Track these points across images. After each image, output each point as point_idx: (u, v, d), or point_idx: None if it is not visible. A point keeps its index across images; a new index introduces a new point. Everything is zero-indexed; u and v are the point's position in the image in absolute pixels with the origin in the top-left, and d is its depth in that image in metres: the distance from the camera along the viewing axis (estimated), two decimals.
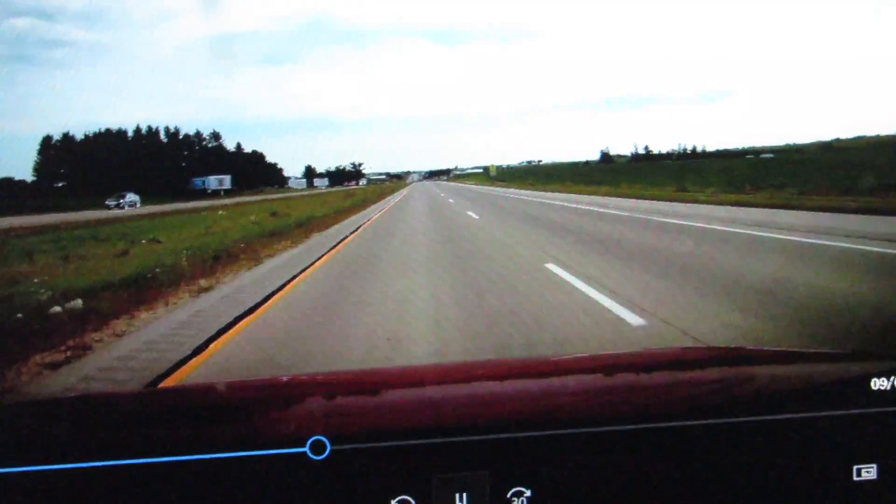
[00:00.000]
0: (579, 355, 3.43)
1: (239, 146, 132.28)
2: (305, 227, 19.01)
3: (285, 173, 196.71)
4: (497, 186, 76.90)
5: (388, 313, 6.57)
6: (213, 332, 6.09)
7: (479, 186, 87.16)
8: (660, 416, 1.42)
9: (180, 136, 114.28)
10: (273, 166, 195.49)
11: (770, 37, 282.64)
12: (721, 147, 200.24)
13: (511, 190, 58.26)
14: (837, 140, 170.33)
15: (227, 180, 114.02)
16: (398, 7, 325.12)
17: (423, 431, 1.36)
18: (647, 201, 27.60)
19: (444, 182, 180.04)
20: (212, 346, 5.64)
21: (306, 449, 1.27)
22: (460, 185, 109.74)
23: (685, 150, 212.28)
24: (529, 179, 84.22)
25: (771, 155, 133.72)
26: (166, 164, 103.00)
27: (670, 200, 25.72)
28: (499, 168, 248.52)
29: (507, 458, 1.30)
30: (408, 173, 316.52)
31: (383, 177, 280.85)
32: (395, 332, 5.75)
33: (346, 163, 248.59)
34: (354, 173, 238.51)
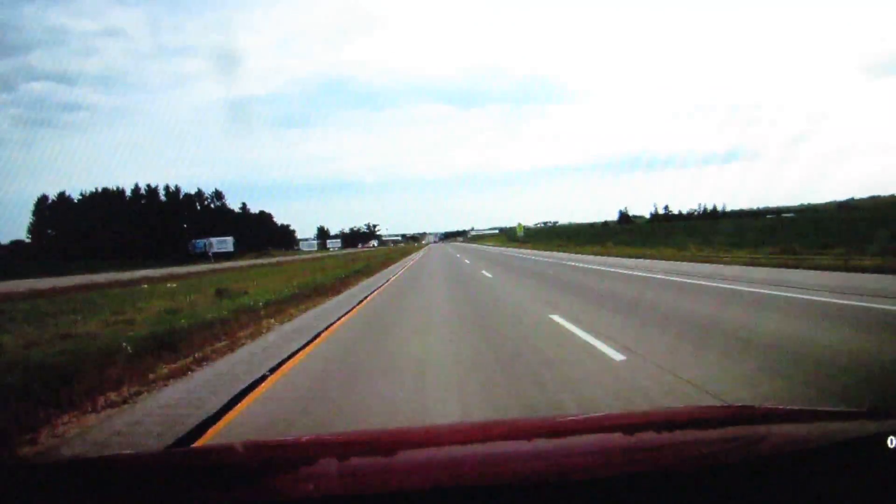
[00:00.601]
0: (598, 414, 3.77)
1: (244, 206, 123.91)
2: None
3: (299, 235, 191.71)
4: (522, 248, 68.99)
5: None
6: None
7: (502, 248, 79.56)
8: (677, 476, 1.43)
9: (181, 196, 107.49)
10: (285, 227, 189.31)
11: (784, 99, 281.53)
12: (739, 207, 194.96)
13: (543, 253, 50.31)
14: (852, 199, 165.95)
15: (229, 242, 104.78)
16: (414, 70, 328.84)
17: (441, 491, 1.36)
18: (737, 266, 20.40)
19: (462, 244, 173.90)
20: None
21: None
22: (481, 247, 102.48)
23: (705, 209, 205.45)
24: (556, 241, 76.01)
25: (792, 214, 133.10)
26: (165, 225, 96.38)
27: (770, 266, 20.20)
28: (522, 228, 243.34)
29: None
30: (423, 234, 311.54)
31: (399, 238, 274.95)
32: None
33: (360, 224, 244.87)
34: (369, 234, 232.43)
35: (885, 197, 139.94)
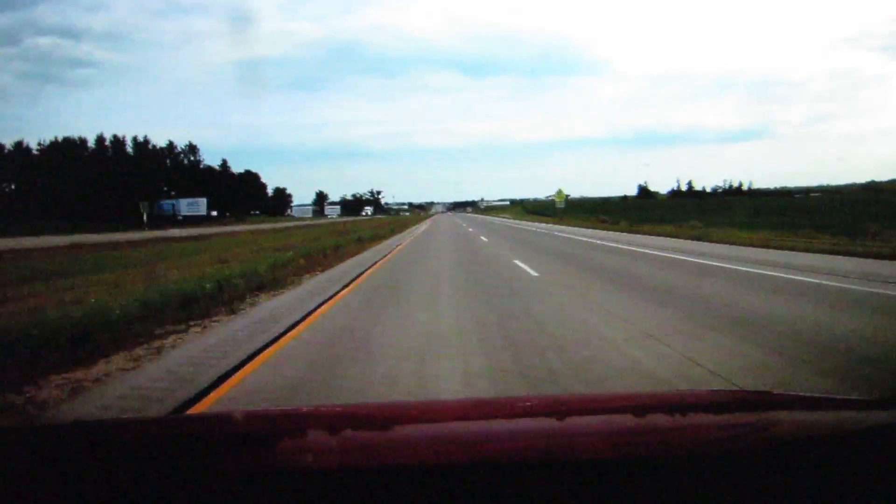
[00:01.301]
0: (607, 393, 3.78)
1: (225, 164, 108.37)
2: None
3: (296, 200, 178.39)
4: (554, 223, 55.15)
5: None
6: None
7: (524, 223, 65.92)
8: (685, 460, 1.44)
9: (150, 147, 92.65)
10: (280, 191, 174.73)
11: (805, 77, 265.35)
12: (760, 185, 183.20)
13: (590, 233, 36.14)
14: (873, 182, 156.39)
15: (201, 204, 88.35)
16: (428, 37, 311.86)
17: (441, 467, 1.37)
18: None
19: (472, 215, 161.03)
20: None
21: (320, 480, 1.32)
22: (496, 219, 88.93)
23: (731, 185, 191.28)
24: (593, 216, 62.35)
25: (819, 194, 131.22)
26: (130, 181, 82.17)
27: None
28: (532, 202, 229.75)
29: (525, 499, 1.28)
30: (431, 204, 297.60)
31: (406, 206, 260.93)
32: None
33: (364, 190, 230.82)
34: (373, 201, 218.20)
35: None
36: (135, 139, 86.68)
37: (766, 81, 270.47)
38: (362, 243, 25.36)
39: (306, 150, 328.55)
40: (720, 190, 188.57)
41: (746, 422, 1.92)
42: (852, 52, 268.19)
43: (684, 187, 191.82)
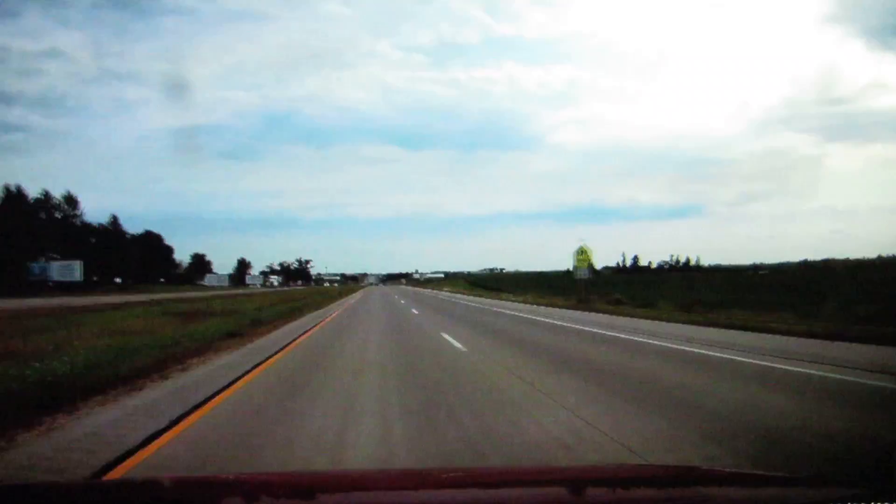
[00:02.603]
0: (537, 466, 3.79)
1: (116, 222, 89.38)
2: None
3: (219, 268, 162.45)
4: (509, 300, 44.23)
5: None
6: None
7: (472, 298, 55.04)
8: None
9: (27, 199, 76.80)
10: (199, 258, 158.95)
11: (734, 156, 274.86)
12: (706, 262, 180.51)
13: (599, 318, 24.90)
14: (806, 261, 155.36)
15: (74, 268, 74.53)
16: (363, 109, 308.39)
17: None
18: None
19: (408, 287, 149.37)
20: None
21: None
22: (442, 294, 77.89)
23: (678, 261, 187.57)
24: (533, 293, 52.01)
25: (766, 272, 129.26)
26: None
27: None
28: (467, 275, 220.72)
29: None
30: (364, 275, 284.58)
31: (338, 277, 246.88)
32: None
33: (293, 259, 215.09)
34: (300, 271, 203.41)
35: (838, 260, 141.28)
36: (6, 188, 71.55)
37: (700, 160, 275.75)
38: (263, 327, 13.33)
39: (237, 218, 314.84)
40: (667, 265, 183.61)
41: (680, 497, 1.85)
42: (785, 132, 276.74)
43: (629, 262, 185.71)
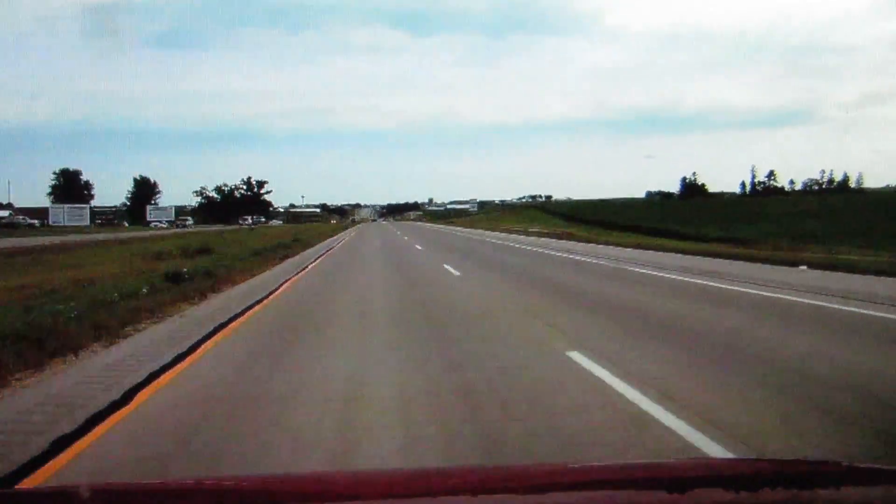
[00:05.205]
0: (591, 464, 3.02)
1: None
2: None
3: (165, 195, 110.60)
4: None
5: None
6: None
7: None
8: None
9: None
10: (144, 183, 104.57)
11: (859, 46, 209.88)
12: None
13: None
14: None
15: None
16: None
17: None
18: None
19: (424, 225, 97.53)
20: None
21: None
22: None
23: (831, 181, 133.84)
24: None
25: None
26: None
27: None
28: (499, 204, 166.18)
29: None
30: (356, 207, 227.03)
31: (317, 210, 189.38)
32: None
33: (238, 181, 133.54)
34: (252, 199, 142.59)
35: None
36: None
37: (810, 46, 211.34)
38: None
39: (185, 131, 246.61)
40: (812, 187, 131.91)
41: (782, 500, 1.61)
42: None
43: (760, 179, 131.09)
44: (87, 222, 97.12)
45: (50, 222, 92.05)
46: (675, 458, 3.46)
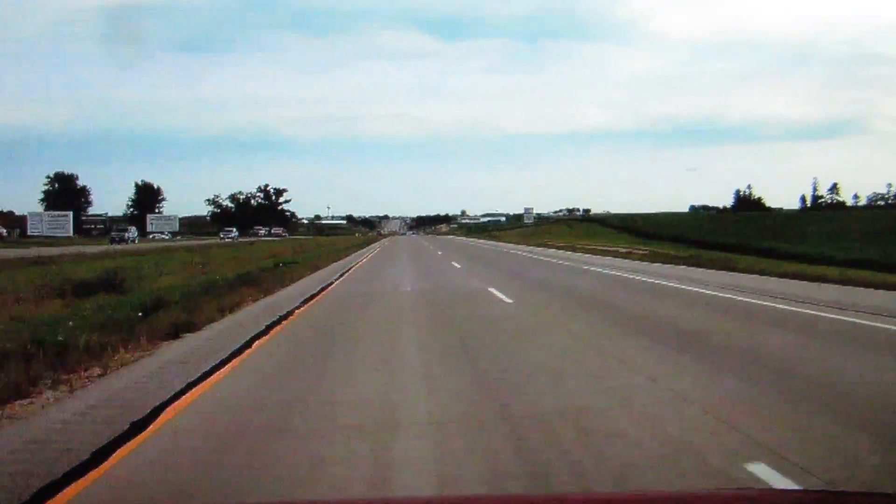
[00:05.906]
0: (627, 493, 2.77)
1: None
2: None
3: (170, 205, 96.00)
4: None
5: None
6: None
7: None
8: None
9: None
10: (147, 189, 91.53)
11: None
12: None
13: None
14: None
15: None
16: None
17: None
18: None
19: (463, 240, 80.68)
20: None
21: None
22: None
23: None
24: None
25: None
26: None
27: None
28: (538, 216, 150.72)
29: None
30: (384, 219, 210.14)
31: (343, 223, 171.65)
32: None
33: (253, 189, 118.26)
34: (270, 210, 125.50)
35: None
36: None
37: (862, 55, 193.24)
38: None
39: (202, 138, 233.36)
40: (879, 202, 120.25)
41: None
42: None
43: (822, 193, 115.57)
44: (70, 232, 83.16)
45: (28, 232, 79.42)
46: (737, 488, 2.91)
